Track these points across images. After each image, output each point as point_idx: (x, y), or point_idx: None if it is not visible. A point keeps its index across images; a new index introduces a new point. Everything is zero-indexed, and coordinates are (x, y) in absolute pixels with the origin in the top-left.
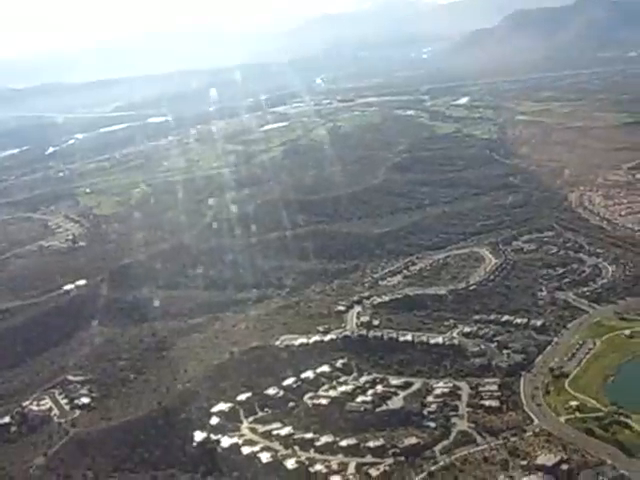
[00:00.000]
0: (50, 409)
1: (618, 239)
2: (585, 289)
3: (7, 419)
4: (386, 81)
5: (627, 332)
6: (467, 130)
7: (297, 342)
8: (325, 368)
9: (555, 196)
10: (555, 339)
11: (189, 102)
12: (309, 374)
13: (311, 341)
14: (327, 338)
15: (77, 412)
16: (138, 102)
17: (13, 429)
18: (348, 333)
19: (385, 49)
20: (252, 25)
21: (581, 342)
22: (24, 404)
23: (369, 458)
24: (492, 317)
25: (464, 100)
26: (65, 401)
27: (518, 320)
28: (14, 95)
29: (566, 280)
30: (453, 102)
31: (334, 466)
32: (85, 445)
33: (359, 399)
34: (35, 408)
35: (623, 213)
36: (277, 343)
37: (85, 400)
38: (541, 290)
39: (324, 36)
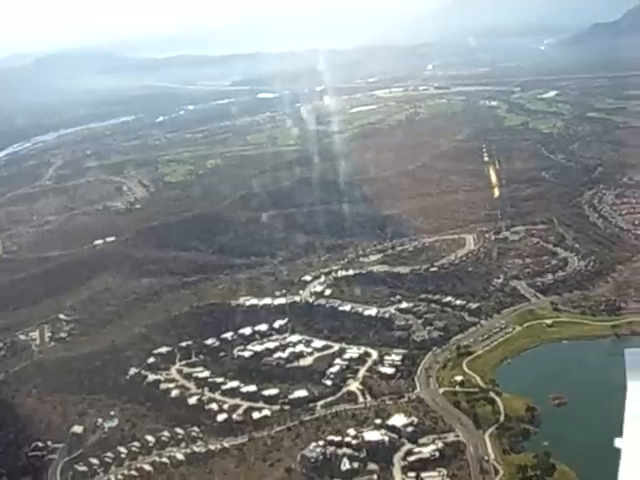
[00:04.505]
0: (34, 340)
1: (604, 237)
2: (539, 280)
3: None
4: (490, 70)
5: (548, 321)
6: (533, 124)
7: (249, 303)
8: (263, 327)
9: (572, 192)
10: (482, 322)
11: (303, 80)
12: (247, 330)
13: (261, 303)
14: (276, 302)
15: (52, 344)
16: (255, 78)
17: (2, 353)
18: (297, 299)
19: (508, 38)
20: (384, 8)
21: (503, 326)
22: (17, 334)
23: (260, 404)
24: (436, 297)
25: (551, 94)
26: (49, 334)
27: (458, 302)
28: (149, 65)
29: (527, 270)
30: (539, 95)
31: (226, 406)
32: (40, 368)
33: (276, 355)
34: (23, 337)
35: (624, 213)
36: (232, 302)
37: (63, 335)
38: (498, 277)
39: (453, 23)
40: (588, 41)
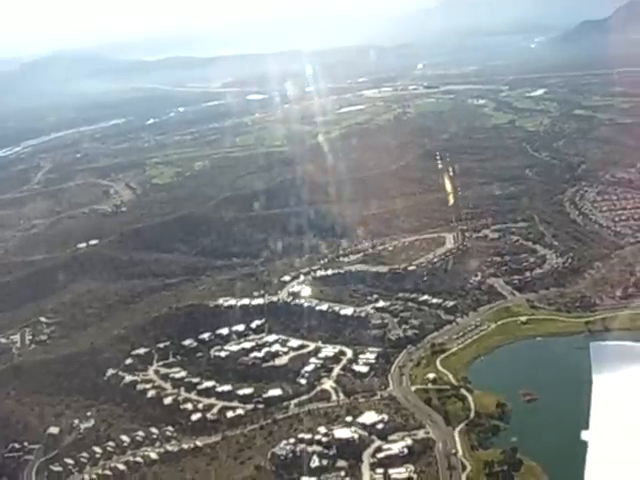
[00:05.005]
0: (15, 342)
1: (583, 234)
2: (517, 277)
3: None
4: (479, 69)
5: (523, 318)
6: (520, 122)
7: (227, 303)
8: (240, 327)
9: (555, 190)
10: (458, 320)
11: (293, 81)
12: (224, 331)
13: (239, 303)
14: (254, 302)
15: (32, 346)
16: (245, 79)
17: None
18: (275, 299)
19: (498, 36)
20: (372, 8)
21: (478, 324)
22: None
23: (235, 403)
24: (413, 296)
25: (540, 92)
26: (29, 337)
27: (434, 300)
28: (140, 67)
29: (505, 268)
30: (527, 93)
31: (200, 406)
32: (19, 371)
33: (252, 354)
34: (4, 341)
35: (605, 209)
36: (211, 303)
37: (43, 337)
38: (476, 275)
39: (443, 22)
40: (577, 39)
